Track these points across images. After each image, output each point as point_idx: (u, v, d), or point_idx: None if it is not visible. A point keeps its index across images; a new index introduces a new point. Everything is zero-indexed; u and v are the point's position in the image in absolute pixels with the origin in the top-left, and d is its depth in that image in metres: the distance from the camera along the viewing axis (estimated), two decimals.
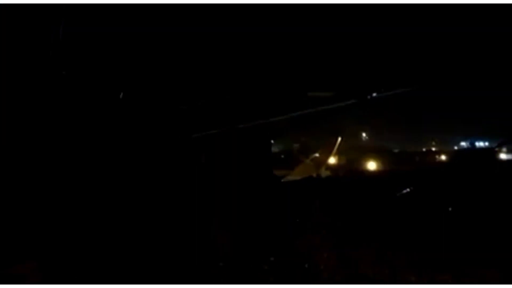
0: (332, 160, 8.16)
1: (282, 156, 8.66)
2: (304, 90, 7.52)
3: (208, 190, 6.69)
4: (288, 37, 7.12)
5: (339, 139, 7.82)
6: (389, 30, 7.04)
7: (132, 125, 6.54)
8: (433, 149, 8.91)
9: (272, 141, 8.14)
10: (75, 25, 6.18)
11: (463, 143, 8.61)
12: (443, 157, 8.62)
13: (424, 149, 8.97)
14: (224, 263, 5.37)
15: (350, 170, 8.48)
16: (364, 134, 8.95)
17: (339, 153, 8.21)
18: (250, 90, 7.41)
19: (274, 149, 8.43)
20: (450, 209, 6.76)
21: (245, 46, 7.13)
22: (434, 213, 6.62)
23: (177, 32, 6.75)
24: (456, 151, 8.64)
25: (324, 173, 8.06)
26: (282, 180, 7.55)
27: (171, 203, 6.32)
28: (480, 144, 8.35)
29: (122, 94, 6.32)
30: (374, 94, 6.87)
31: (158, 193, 6.33)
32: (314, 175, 7.87)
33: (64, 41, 6.12)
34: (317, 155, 8.13)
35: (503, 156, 8.20)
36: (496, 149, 8.00)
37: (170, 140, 6.82)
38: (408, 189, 7.10)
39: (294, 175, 7.65)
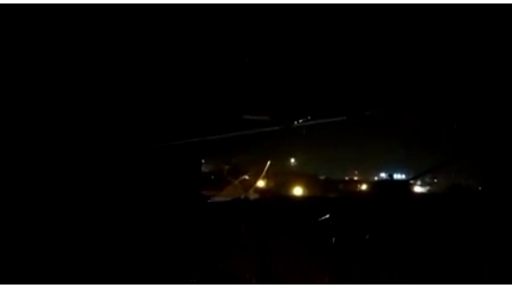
0: (260, 183, 8.34)
1: (212, 177, 8.69)
2: (240, 112, 7.67)
3: (133, 206, 6.55)
4: (226, 57, 7.27)
5: (268, 162, 8.03)
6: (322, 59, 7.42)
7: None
8: (355, 178, 9.39)
9: (202, 161, 8.17)
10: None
11: (382, 174, 9.15)
12: (364, 187, 9.12)
13: (347, 178, 9.43)
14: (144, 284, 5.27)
15: (278, 194, 8.69)
16: (293, 160, 9.25)
17: (268, 177, 8.41)
18: (185, 108, 7.42)
19: (204, 169, 8.47)
20: (367, 236, 7.14)
21: (185, 64, 7.17)
22: (354, 239, 6.97)
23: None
24: (375, 181, 9.16)
25: (252, 195, 8.20)
26: (210, 201, 7.57)
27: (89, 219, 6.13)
28: (397, 176, 8.92)
29: None
30: (301, 121, 7.18)
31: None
32: (242, 196, 7.99)
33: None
34: (246, 177, 8.27)
35: (417, 188, 8.84)
36: (411, 181, 8.59)
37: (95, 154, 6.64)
38: (330, 215, 7.40)
39: (223, 196, 7.71)
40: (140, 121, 7.13)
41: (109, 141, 6.81)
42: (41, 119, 6.32)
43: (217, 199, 7.65)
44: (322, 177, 9.37)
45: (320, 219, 7.20)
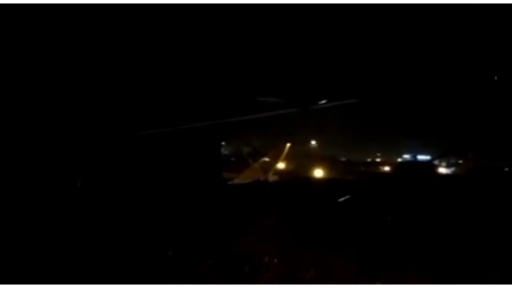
0: (280, 165, 8.27)
1: (232, 159, 8.68)
2: (255, 94, 7.61)
3: (154, 189, 6.61)
4: (239, 40, 7.19)
5: (288, 145, 7.95)
6: (336, 42, 7.26)
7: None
8: (378, 159, 9.23)
9: (222, 143, 8.17)
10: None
11: (406, 156, 8.97)
12: (386, 168, 8.96)
13: (369, 159, 9.28)
14: (163, 264, 5.32)
15: (298, 176, 8.62)
16: (313, 142, 9.15)
17: (287, 159, 8.33)
18: (203, 91, 7.41)
19: (225, 151, 8.46)
20: (389, 218, 7.02)
21: (199, 49, 7.13)
22: (375, 221, 6.86)
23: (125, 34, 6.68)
24: (399, 162, 8.99)
25: (272, 177, 8.15)
26: (230, 183, 7.57)
27: (112, 200, 6.21)
28: (421, 157, 8.73)
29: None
30: (322, 103, 7.06)
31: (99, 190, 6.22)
32: (262, 179, 7.95)
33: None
34: (266, 159, 8.22)
35: (442, 170, 8.63)
36: (435, 162, 8.40)
37: (118, 138, 6.71)
38: (351, 196, 7.31)
39: (242, 178, 7.69)
40: (160, 105, 7.16)
41: (132, 124, 6.90)
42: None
43: (237, 181, 7.64)
44: (343, 159, 9.25)
45: (340, 200, 7.11)
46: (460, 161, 8.60)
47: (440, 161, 8.58)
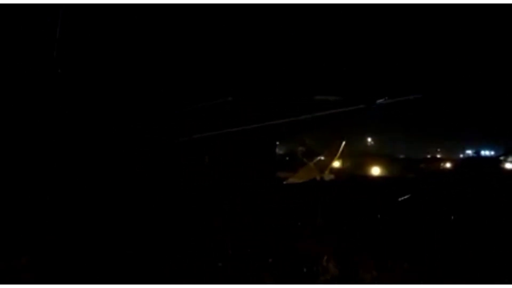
0: (336, 164, 8.13)
1: (287, 158, 8.66)
2: (311, 93, 7.54)
3: (210, 190, 6.74)
4: (296, 40, 7.15)
5: (343, 143, 7.79)
6: (398, 38, 7.06)
7: (132, 126, 6.64)
8: (438, 156, 8.89)
9: (277, 143, 8.17)
10: (72, 24, 6.27)
11: (468, 151, 8.58)
12: (448, 165, 8.60)
13: (428, 156, 8.95)
14: (223, 263, 5.41)
15: (354, 175, 8.47)
16: (369, 139, 8.95)
17: (343, 157, 8.18)
18: (257, 92, 7.45)
19: (279, 151, 8.45)
20: (452, 217, 6.75)
21: (253, 48, 7.17)
22: (436, 222, 6.61)
23: (178, 32, 6.81)
24: (461, 159, 8.61)
25: (328, 176, 8.02)
26: (285, 183, 7.54)
27: (172, 201, 6.40)
28: (485, 152, 8.32)
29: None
30: (380, 100, 6.88)
31: (158, 192, 6.41)
32: (318, 178, 7.84)
33: (61, 40, 6.20)
34: (321, 158, 8.11)
35: (508, 165, 8.17)
36: (501, 158, 7.98)
37: (172, 141, 6.89)
38: (411, 196, 7.10)
39: (297, 178, 7.62)
40: (213, 108, 7.28)
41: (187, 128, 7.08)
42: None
43: (292, 180, 7.58)
44: (401, 156, 8.97)
45: (400, 199, 6.91)
46: None
47: (506, 157, 8.13)
